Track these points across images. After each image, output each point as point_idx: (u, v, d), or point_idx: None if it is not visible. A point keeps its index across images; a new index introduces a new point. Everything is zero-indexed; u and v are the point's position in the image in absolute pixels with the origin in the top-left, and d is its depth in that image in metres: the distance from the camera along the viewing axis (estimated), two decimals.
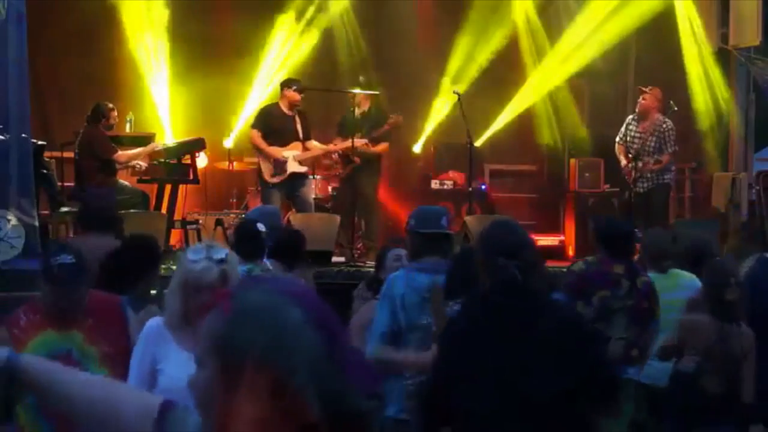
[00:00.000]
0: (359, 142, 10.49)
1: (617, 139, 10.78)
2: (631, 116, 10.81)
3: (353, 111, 10.88)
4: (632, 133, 10.63)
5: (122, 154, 10.02)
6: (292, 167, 10.19)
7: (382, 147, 10.96)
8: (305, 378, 1.81)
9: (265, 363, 1.81)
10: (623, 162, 10.63)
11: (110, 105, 10.36)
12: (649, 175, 10.51)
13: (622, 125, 10.92)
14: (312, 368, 1.82)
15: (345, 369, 1.86)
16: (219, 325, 1.89)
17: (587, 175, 12.08)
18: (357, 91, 11.03)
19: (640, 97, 10.66)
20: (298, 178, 10.28)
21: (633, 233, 6.50)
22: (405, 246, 5.76)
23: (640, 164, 10.39)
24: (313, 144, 10.38)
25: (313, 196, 10.65)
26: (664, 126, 10.51)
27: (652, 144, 10.48)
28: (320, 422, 1.80)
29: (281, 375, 1.81)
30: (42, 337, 4.02)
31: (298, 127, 10.29)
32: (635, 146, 10.53)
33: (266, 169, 10.25)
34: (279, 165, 10.19)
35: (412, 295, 4.88)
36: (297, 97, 10.25)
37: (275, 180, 10.19)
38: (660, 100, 10.69)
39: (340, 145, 10.45)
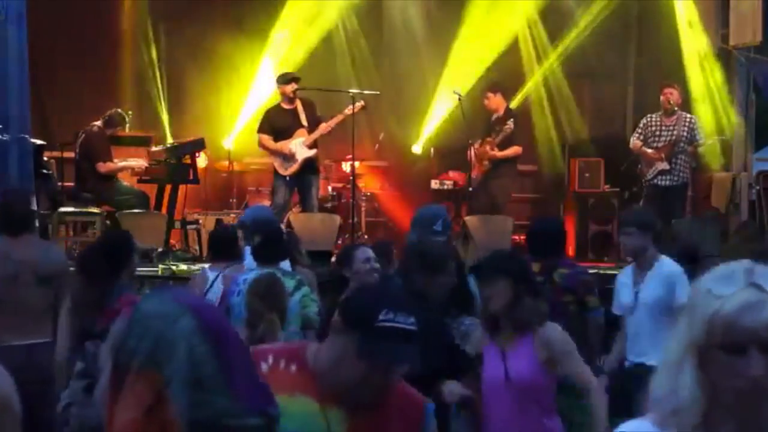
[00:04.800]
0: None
1: (634, 136, 10.71)
2: (652, 115, 10.69)
3: (491, 116, 11.07)
4: (657, 127, 10.55)
5: (103, 165, 9.97)
6: (302, 153, 10.27)
7: (509, 151, 10.95)
8: (180, 388, 1.85)
9: (145, 370, 1.87)
10: (649, 152, 10.49)
11: (127, 115, 10.42)
12: (680, 168, 10.45)
13: (622, 125, 10.92)
14: (190, 380, 1.86)
15: (232, 385, 1.89)
16: (118, 331, 1.95)
17: (587, 175, 12.08)
18: (355, 91, 11.03)
19: (668, 93, 10.52)
20: (310, 174, 10.35)
21: (555, 232, 6.54)
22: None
23: (678, 150, 10.35)
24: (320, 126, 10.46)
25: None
26: (693, 119, 10.58)
27: (685, 134, 10.46)
28: None
29: (158, 383, 1.86)
30: (294, 401, 2.66)
31: (302, 116, 10.39)
32: (667, 138, 10.47)
33: (278, 164, 10.37)
34: (288, 156, 10.25)
35: None
36: (288, 89, 10.33)
37: (289, 172, 10.27)
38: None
39: (334, 120, 10.48)
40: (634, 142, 10.66)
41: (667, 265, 6.08)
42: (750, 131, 12.16)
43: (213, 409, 1.87)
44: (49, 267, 5.93)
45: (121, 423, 1.88)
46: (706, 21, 12.15)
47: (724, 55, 12.13)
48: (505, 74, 12.92)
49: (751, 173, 11.72)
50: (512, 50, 13.05)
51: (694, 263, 7.06)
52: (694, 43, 12.23)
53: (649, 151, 10.49)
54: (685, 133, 10.47)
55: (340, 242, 10.32)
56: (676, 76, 12.09)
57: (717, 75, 12.24)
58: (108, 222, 9.63)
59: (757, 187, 11.13)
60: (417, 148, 13.12)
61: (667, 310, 5.77)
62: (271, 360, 2.70)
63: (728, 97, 12.21)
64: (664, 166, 10.43)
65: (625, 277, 6.24)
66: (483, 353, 4.35)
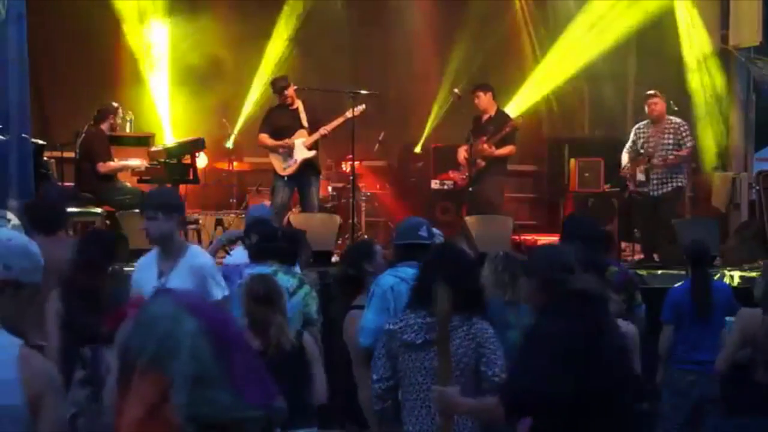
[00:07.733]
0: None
1: (626, 148, 10.60)
2: (641, 123, 10.61)
3: (480, 116, 11.01)
4: (645, 136, 10.46)
5: (103, 164, 9.96)
6: (301, 154, 10.27)
7: (506, 150, 10.90)
8: (182, 386, 1.90)
9: (150, 369, 1.92)
10: (628, 165, 10.49)
11: (116, 105, 10.40)
12: (664, 177, 10.37)
13: (622, 125, 10.93)
14: (193, 377, 1.91)
15: (234, 381, 1.95)
16: (124, 332, 2.00)
17: (587, 175, 12.06)
18: (355, 91, 11.02)
19: (650, 102, 10.46)
20: (309, 174, 10.34)
21: (602, 235, 6.50)
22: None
23: (656, 161, 10.29)
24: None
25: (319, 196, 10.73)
26: (678, 123, 10.44)
27: (670, 141, 10.36)
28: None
29: (163, 382, 1.91)
30: None
31: (303, 117, 10.39)
32: (651, 148, 10.41)
33: (277, 164, 10.35)
34: (287, 154, 10.25)
35: (401, 284, 5.18)
36: (285, 95, 10.34)
37: (287, 172, 10.26)
38: (666, 103, 10.63)
39: (334, 122, 10.48)
40: (626, 155, 10.60)
41: (198, 254, 5.63)
42: (750, 131, 12.17)
43: (215, 405, 1.91)
44: None
45: (127, 421, 1.91)
46: (706, 21, 12.15)
47: (724, 55, 12.14)
48: (505, 74, 12.94)
49: (751, 173, 11.72)
50: (512, 50, 13.06)
51: (701, 265, 7.05)
52: (694, 43, 12.24)
53: (625, 164, 10.50)
54: (669, 141, 10.39)
55: (340, 242, 10.32)
56: (677, 76, 12.12)
57: (716, 76, 12.25)
58: (108, 222, 9.63)
59: (757, 187, 11.11)
60: (417, 148, 13.12)
61: None
62: None
63: (726, 99, 12.22)
64: (641, 177, 10.41)
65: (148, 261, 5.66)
66: None
